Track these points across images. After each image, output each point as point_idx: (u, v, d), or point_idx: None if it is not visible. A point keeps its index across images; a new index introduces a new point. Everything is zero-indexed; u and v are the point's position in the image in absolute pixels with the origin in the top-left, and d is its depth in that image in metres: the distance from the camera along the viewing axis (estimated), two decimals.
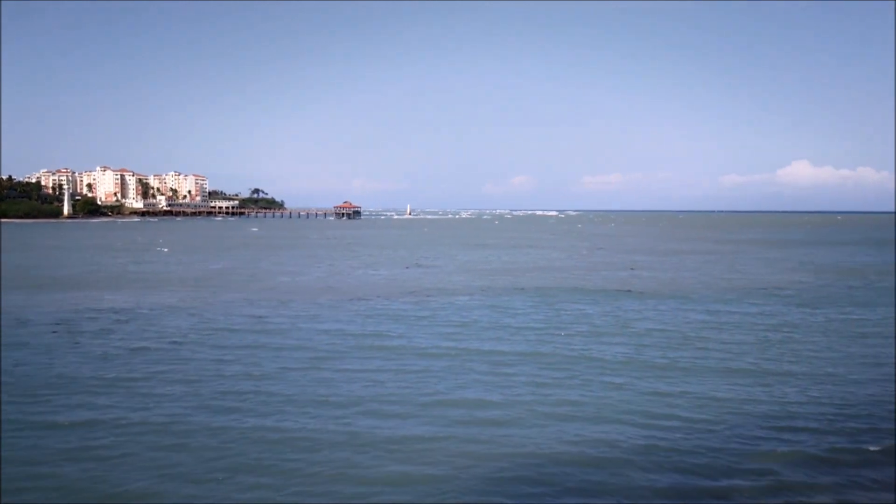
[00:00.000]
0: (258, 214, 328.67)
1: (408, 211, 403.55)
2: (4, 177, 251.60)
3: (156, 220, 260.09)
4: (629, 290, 45.90)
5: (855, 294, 45.11)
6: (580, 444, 16.74)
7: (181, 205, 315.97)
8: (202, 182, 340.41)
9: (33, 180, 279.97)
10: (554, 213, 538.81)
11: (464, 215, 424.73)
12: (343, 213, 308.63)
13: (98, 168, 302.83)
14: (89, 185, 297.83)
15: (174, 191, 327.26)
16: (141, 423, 17.83)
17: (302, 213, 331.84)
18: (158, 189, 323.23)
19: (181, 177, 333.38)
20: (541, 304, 39.21)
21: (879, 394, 21.20)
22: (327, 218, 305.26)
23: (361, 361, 24.92)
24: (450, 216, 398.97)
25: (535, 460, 15.72)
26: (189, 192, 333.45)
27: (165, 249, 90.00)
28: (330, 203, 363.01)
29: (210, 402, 19.73)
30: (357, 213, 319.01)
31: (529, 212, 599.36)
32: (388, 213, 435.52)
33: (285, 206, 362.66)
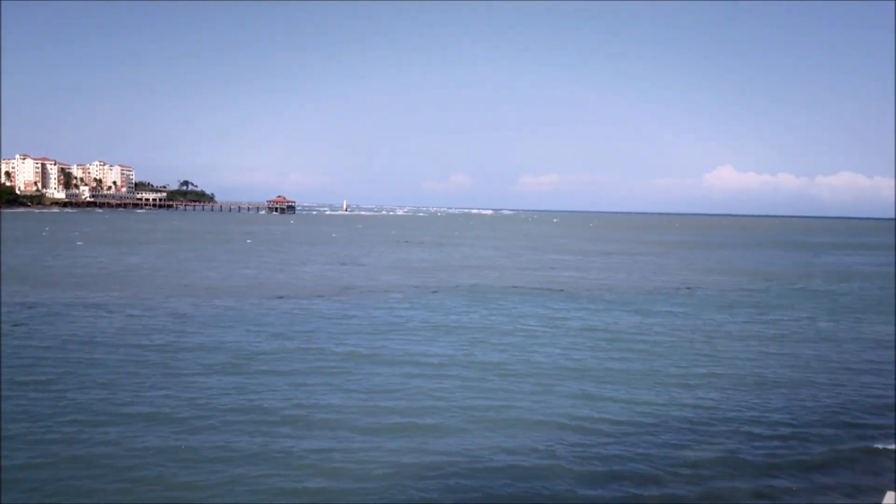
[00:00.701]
0: (187, 207, 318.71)
1: (344, 206, 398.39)
2: None
3: (75, 211, 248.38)
4: (561, 290, 46.13)
5: (772, 295, 46.59)
6: (510, 451, 16.25)
7: (106, 196, 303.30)
8: (128, 173, 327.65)
9: None
10: (489, 211, 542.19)
11: (399, 212, 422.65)
12: (276, 208, 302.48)
13: (17, 156, 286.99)
14: (7, 174, 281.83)
15: (98, 181, 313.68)
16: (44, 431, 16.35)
17: (233, 207, 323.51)
18: (82, 179, 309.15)
19: (106, 167, 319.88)
20: (473, 304, 38.84)
21: (803, 396, 21.61)
22: (259, 212, 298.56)
23: (285, 363, 23.84)
24: (385, 213, 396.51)
25: (465, 468, 15.14)
26: (115, 183, 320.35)
27: (80, 242, 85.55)
28: (263, 197, 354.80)
29: (112, 408, 18.32)
30: (291, 208, 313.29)
31: (466, 210, 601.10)
32: (323, 209, 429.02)
33: (216, 199, 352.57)
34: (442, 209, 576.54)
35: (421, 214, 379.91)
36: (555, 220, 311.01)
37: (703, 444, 17.04)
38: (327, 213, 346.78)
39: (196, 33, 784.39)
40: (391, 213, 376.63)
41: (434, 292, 43.83)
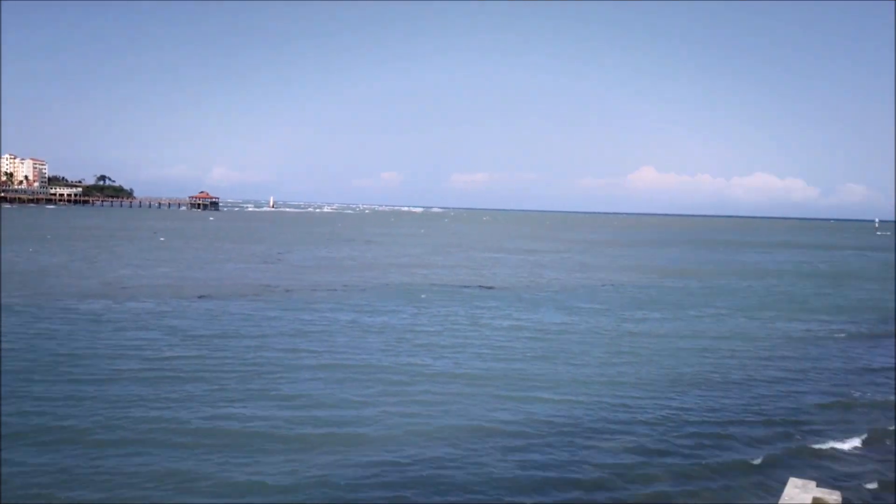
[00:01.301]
0: (104, 203, 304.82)
1: (271, 203, 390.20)
2: None
3: None
4: (491, 287, 46.36)
5: (689, 293, 48.21)
6: (435, 458, 16.02)
7: (16, 191, 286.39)
8: (41, 167, 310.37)
9: None
10: (419, 209, 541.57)
11: (326, 209, 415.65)
12: (199, 204, 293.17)
13: None
14: None
15: (9, 175, 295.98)
16: None
17: (153, 203, 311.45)
18: None
19: (17, 160, 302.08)
20: (402, 303, 38.50)
21: (721, 394, 22.28)
22: (181, 209, 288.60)
23: (202, 369, 22.86)
24: (312, 210, 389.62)
25: (389, 479, 14.81)
26: (26, 177, 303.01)
27: None
28: (185, 193, 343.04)
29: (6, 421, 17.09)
30: (215, 205, 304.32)
31: (396, 207, 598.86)
32: (246, 205, 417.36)
33: (135, 195, 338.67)
34: (372, 206, 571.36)
35: (349, 212, 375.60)
36: (485, 219, 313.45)
37: (624, 445, 17.28)
38: (249, 209, 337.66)
39: (109, 20, 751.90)
40: (318, 210, 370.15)
41: (362, 291, 43.29)
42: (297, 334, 28.82)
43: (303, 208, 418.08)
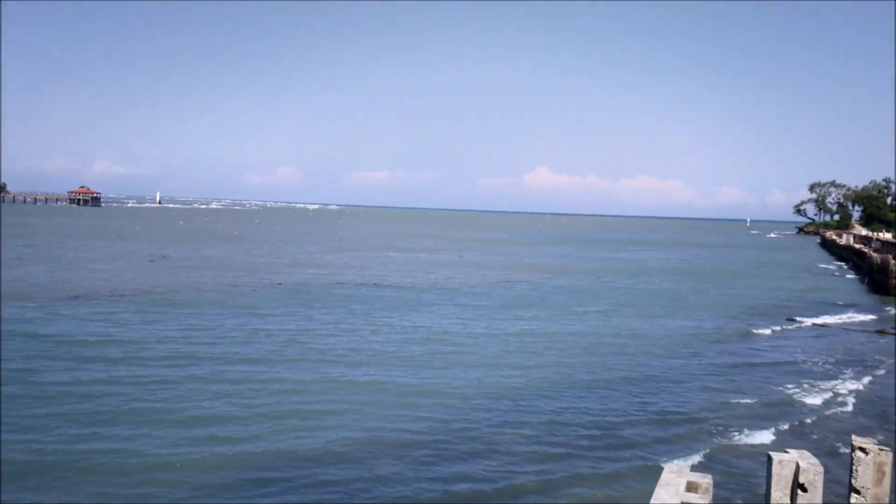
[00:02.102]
0: None
1: (157, 199, 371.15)
2: None
3: None
4: (388, 286, 46.07)
5: (579, 291, 49.93)
6: (319, 473, 15.57)
7: None
8: None
9: None
10: (315, 206, 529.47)
11: (215, 205, 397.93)
12: (79, 200, 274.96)
13: None
14: None
15: None
16: None
17: (28, 199, 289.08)
18: None
19: None
20: (291, 304, 37.48)
21: (605, 394, 23.03)
22: (59, 204, 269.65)
23: (72, 374, 21.25)
24: (199, 206, 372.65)
25: (270, 489, 14.26)
26: None
27: None
28: (65, 188, 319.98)
29: None
30: (96, 200, 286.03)
31: (291, 204, 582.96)
32: (127, 201, 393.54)
33: (8, 189, 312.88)
34: (265, 203, 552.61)
35: (237, 208, 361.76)
36: (386, 217, 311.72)
37: (516, 444, 17.49)
38: (129, 205, 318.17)
39: None
40: (204, 207, 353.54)
41: (251, 291, 41.84)
42: (178, 340, 27.11)
43: (189, 204, 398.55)
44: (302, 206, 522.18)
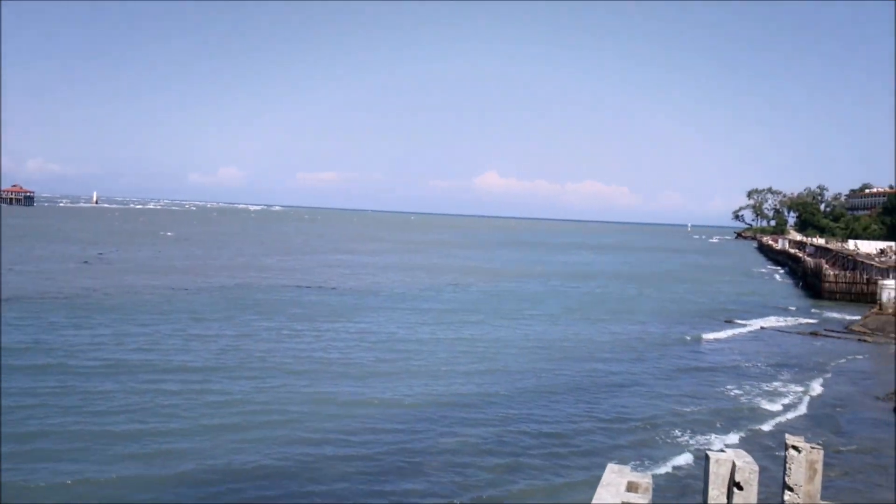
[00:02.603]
0: None
1: (94, 198, 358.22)
2: None
3: None
4: (333, 288, 45.50)
5: (528, 296, 50.33)
6: (259, 476, 15.18)
7: None
8: None
9: None
10: (258, 207, 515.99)
11: (152, 206, 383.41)
12: (11, 199, 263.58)
13: None
14: None
15: None
16: None
17: None
18: None
19: None
20: (230, 308, 36.66)
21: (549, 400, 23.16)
22: None
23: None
24: (136, 206, 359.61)
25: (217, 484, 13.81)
26: None
27: None
28: None
29: None
30: (29, 199, 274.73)
31: (233, 205, 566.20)
32: (59, 201, 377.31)
33: None
34: (205, 203, 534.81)
35: (175, 208, 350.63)
36: (333, 218, 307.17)
37: (463, 446, 17.41)
38: (62, 204, 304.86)
39: None
40: (141, 207, 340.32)
41: (190, 296, 40.71)
42: (111, 347, 25.97)
43: (126, 204, 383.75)
44: (244, 206, 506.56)
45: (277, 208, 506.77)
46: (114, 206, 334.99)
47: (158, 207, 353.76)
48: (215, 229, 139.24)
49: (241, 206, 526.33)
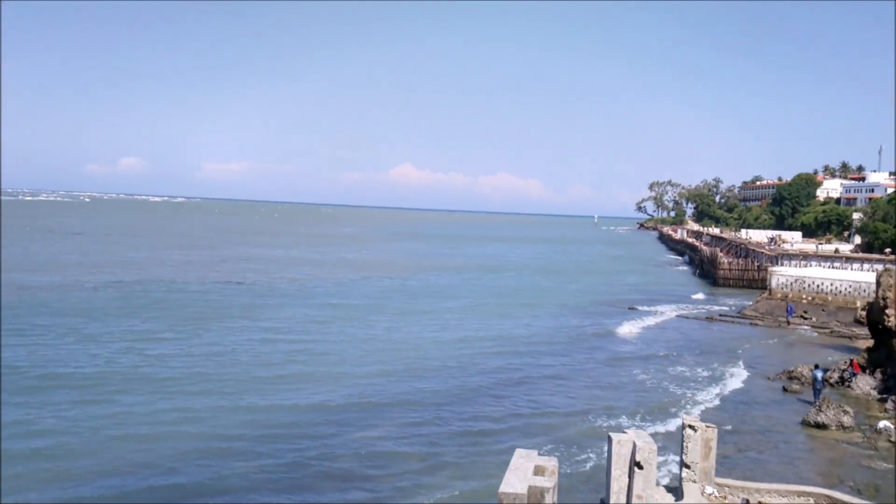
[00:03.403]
0: None
1: None
2: None
3: None
4: (240, 283, 44.30)
5: (442, 289, 50.63)
6: (161, 474, 14.62)
7: None
8: None
9: None
10: (159, 198, 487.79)
11: (43, 197, 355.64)
12: None
13: None
14: None
15: None
16: None
17: None
18: None
19: None
20: (127, 306, 35.11)
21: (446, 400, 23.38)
22: None
23: None
24: (25, 198, 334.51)
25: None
26: None
27: None
28: None
29: None
30: None
31: (134, 196, 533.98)
32: None
33: None
34: (104, 195, 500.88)
35: (68, 200, 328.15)
36: (241, 210, 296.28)
37: (377, 438, 17.37)
38: None
39: None
40: (31, 199, 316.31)
41: (82, 290, 38.63)
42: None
43: (15, 196, 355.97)
44: (144, 198, 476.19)
45: (180, 200, 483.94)
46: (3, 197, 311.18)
47: (51, 199, 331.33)
48: (97, 222, 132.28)
49: (141, 197, 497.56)
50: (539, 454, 7.48)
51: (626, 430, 8.31)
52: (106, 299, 36.01)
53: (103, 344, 25.95)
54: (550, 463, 7.10)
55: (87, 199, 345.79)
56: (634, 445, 7.67)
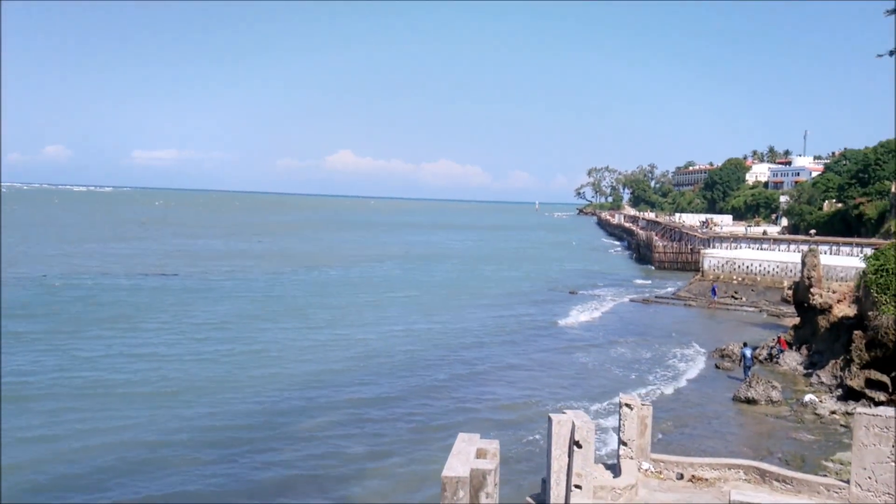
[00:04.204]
0: None
1: None
2: None
3: None
4: (167, 274, 43.09)
5: (392, 280, 50.41)
6: None
7: None
8: None
9: None
10: (82, 188, 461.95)
11: None
12: None
13: None
14: None
15: None
16: None
17: None
18: None
19: None
20: (39, 298, 33.71)
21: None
22: None
23: None
24: None
25: None
26: None
27: None
28: None
29: None
30: None
31: (54, 186, 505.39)
32: None
33: None
34: (22, 185, 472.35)
35: None
36: (157, 203, 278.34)
37: (313, 432, 17.22)
38: None
39: None
40: None
41: (9, 287, 36.92)
42: None
43: None
44: (68, 188, 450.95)
45: (108, 189, 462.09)
46: None
47: None
48: (13, 215, 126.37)
49: (64, 187, 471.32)
50: (481, 437, 7.55)
51: (564, 411, 8.45)
52: (25, 296, 34.32)
53: (26, 344, 24.76)
54: (492, 446, 7.17)
55: (4, 190, 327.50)
56: (573, 425, 7.81)
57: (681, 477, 9.85)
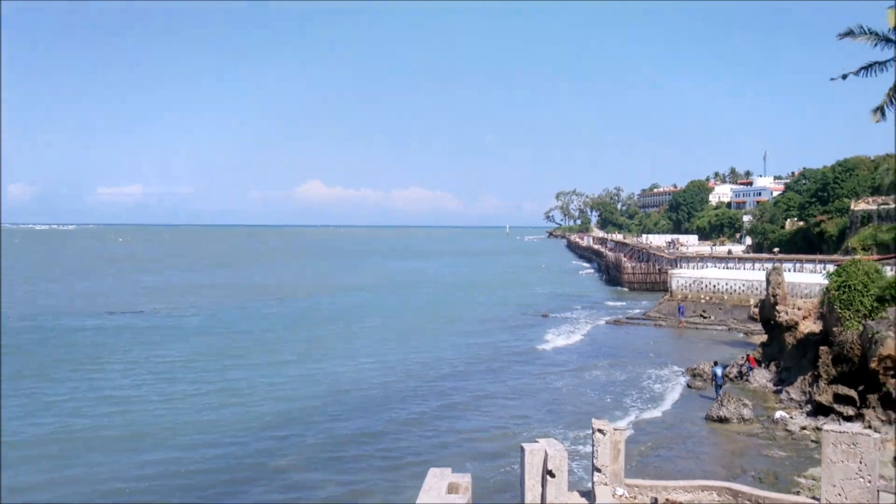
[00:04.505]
0: None
1: None
2: None
3: None
4: (142, 312, 42.24)
5: (366, 307, 50.04)
6: None
7: None
8: None
9: None
10: (43, 226, 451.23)
11: None
12: None
13: None
14: None
15: None
16: None
17: None
18: None
19: None
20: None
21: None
22: None
23: None
24: None
25: None
26: None
27: None
28: None
29: None
30: None
31: (16, 225, 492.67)
32: None
33: None
34: None
35: None
36: (120, 240, 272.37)
37: (291, 461, 16.88)
38: None
39: None
40: None
41: None
42: None
43: None
44: (30, 227, 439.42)
45: (71, 227, 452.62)
46: None
47: None
48: None
49: (26, 226, 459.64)
50: (453, 472, 7.45)
51: (537, 440, 8.39)
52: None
53: None
54: (464, 480, 7.08)
55: None
56: (546, 454, 7.77)
57: (655, 501, 9.83)
